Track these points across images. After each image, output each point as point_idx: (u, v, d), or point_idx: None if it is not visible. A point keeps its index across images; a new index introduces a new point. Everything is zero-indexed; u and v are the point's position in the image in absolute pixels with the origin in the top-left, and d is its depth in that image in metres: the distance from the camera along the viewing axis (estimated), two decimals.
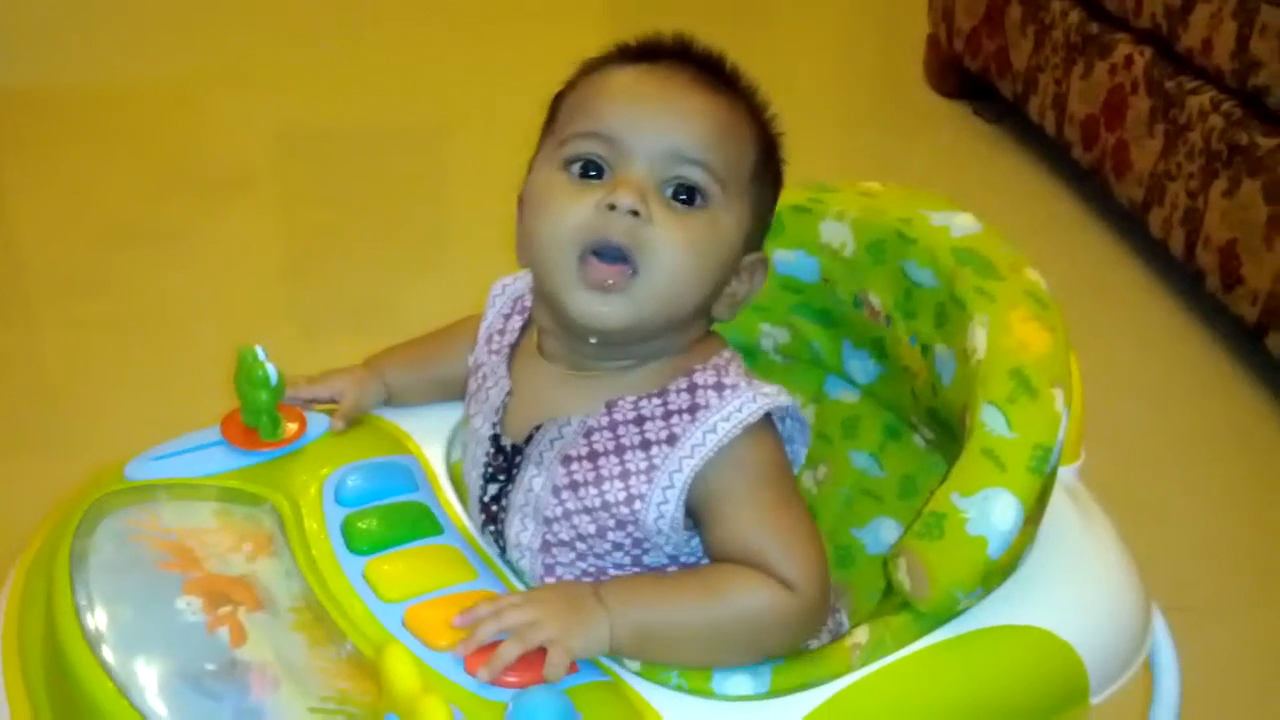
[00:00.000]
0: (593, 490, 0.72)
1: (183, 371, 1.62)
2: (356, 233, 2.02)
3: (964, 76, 2.38)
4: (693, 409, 0.71)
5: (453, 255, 1.97)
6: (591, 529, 0.72)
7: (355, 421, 0.83)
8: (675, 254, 0.70)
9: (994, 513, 0.70)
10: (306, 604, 0.70)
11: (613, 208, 0.69)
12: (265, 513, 0.75)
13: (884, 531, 0.90)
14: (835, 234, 0.87)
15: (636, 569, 0.73)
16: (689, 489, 0.71)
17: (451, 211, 2.12)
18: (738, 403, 0.71)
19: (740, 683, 0.68)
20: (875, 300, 0.86)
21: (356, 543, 0.73)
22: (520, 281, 0.83)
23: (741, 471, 0.71)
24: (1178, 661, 0.84)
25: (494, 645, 0.66)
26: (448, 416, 0.87)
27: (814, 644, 0.77)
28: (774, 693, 0.68)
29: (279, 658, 0.66)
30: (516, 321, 0.81)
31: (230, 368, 0.80)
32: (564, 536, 0.73)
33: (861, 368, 0.91)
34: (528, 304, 0.81)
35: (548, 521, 0.73)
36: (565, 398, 0.75)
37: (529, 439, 0.75)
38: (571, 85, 0.76)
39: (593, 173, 0.71)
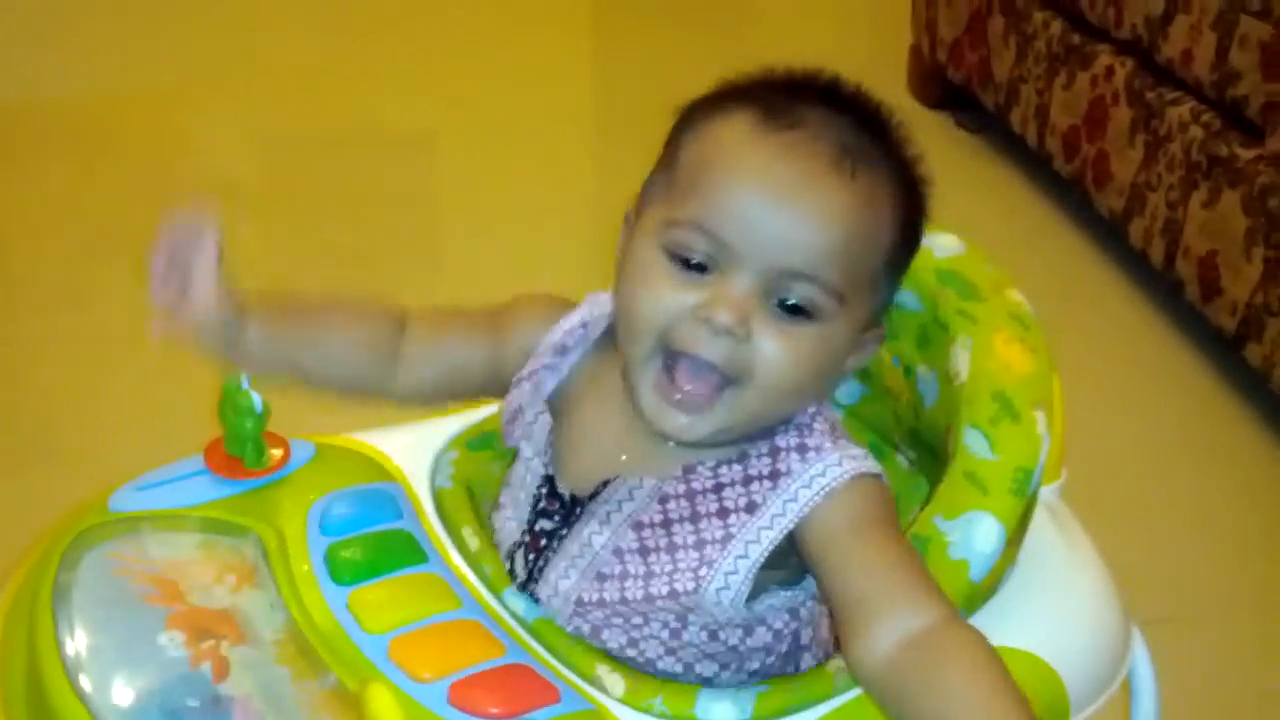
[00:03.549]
0: (664, 557, 0.69)
1: (171, 383, 1.61)
2: (344, 240, 2.02)
3: (947, 87, 2.39)
4: (774, 475, 0.68)
5: (442, 262, 1.97)
6: (640, 595, 0.69)
7: (334, 450, 0.82)
8: (774, 373, 0.65)
9: (976, 536, 0.71)
10: (290, 636, 0.70)
11: (709, 322, 0.64)
12: (249, 543, 0.75)
13: None
14: None
15: (676, 622, 0.70)
16: (800, 542, 0.67)
17: (440, 218, 2.12)
18: (821, 466, 0.67)
19: (724, 710, 0.68)
20: None
21: (340, 573, 0.72)
22: (576, 315, 0.76)
23: (847, 518, 0.66)
24: (1155, 679, 0.84)
25: (478, 675, 0.67)
26: (431, 440, 0.86)
27: (800, 669, 0.77)
28: (757, 718, 0.69)
29: (262, 691, 0.66)
30: (563, 354, 0.74)
31: (213, 383, 0.80)
32: (608, 596, 0.70)
33: (845, 389, 0.91)
34: (572, 342, 0.75)
35: (600, 578, 0.70)
36: (636, 451, 0.71)
37: (594, 494, 0.72)
38: (700, 120, 0.68)
39: (697, 263, 0.65)
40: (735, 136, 0.65)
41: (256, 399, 0.79)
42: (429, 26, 2.84)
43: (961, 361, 0.76)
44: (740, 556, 0.67)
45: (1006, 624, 0.75)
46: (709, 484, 0.69)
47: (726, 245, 0.64)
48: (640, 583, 0.69)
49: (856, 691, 0.70)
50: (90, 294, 1.84)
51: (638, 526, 0.70)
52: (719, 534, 0.68)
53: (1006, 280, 0.81)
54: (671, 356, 0.66)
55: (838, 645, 0.71)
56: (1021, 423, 0.73)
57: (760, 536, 0.67)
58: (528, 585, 0.74)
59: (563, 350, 0.75)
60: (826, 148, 0.64)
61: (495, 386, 0.78)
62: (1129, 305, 1.86)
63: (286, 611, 0.71)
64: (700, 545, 0.68)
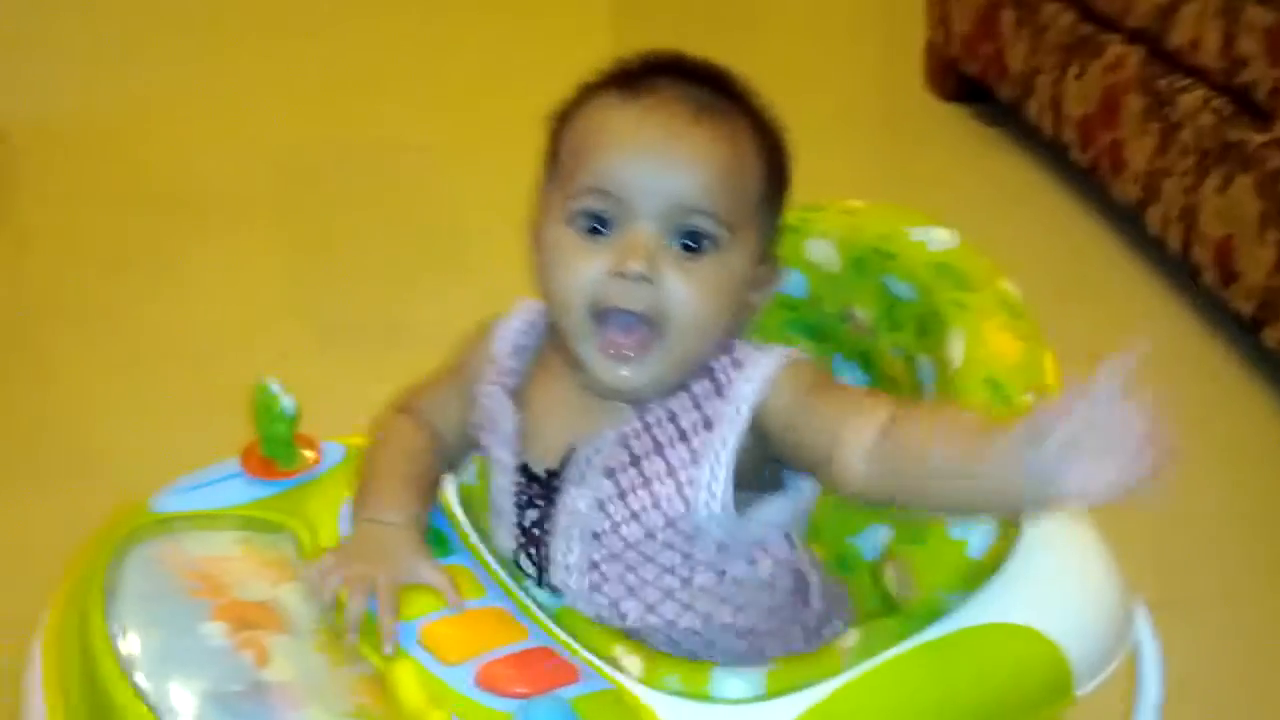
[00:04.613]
0: (641, 494, 0.75)
1: (194, 396, 1.66)
2: (358, 247, 2.05)
3: (963, 80, 2.41)
4: (718, 388, 0.75)
5: (459, 266, 1.99)
6: (640, 534, 0.75)
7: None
8: (692, 310, 0.72)
9: None
10: (327, 625, 0.74)
11: (623, 274, 0.71)
12: (285, 539, 0.80)
13: (880, 538, 0.93)
14: (821, 252, 0.91)
15: (684, 568, 0.76)
16: (760, 435, 0.74)
17: (453, 223, 2.14)
18: (753, 368, 0.75)
19: (737, 686, 0.72)
20: (861, 314, 0.90)
21: None
22: (518, 319, 0.82)
23: (793, 388, 0.74)
24: (1160, 655, 0.87)
25: (503, 658, 0.71)
26: None
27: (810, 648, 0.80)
28: (769, 695, 0.72)
29: (302, 677, 0.70)
30: (519, 354, 0.81)
31: (243, 389, 0.84)
32: (613, 549, 0.76)
33: (851, 379, 0.94)
34: (526, 341, 0.81)
35: (596, 537, 0.76)
36: (593, 416, 0.76)
37: (565, 462, 0.77)
38: (570, 116, 0.76)
39: (600, 226, 0.73)
40: (602, 113, 0.74)
41: (287, 403, 0.83)
42: (427, 31, 2.86)
43: (956, 349, 0.79)
44: (714, 465, 0.73)
45: (1009, 601, 0.78)
46: (664, 415, 0.75)
47: (620, 200, 0.72)
48: (634, 525, 0.75)
49: (864, 668, 0.74)
50: (107, 311, 1.88)
51: (609, 473, 0.75)
52: (686, 456, 0.74)
53: (998, 271, 0.83)
54: (601, 317, 0.73)
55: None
56: (1013, 407, 0.76)
57: (726, 440, 0.73)
58: (543, 581, 0.79)
59: (520, 351, 0.81)
60: (684, 107, 0.73)
61: None
62: (1148, 291, 1.88)
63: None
64: (672, 472, 0.74)
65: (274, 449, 0.84)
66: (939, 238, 0.85)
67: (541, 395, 0.80)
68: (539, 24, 2.84)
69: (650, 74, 0.75)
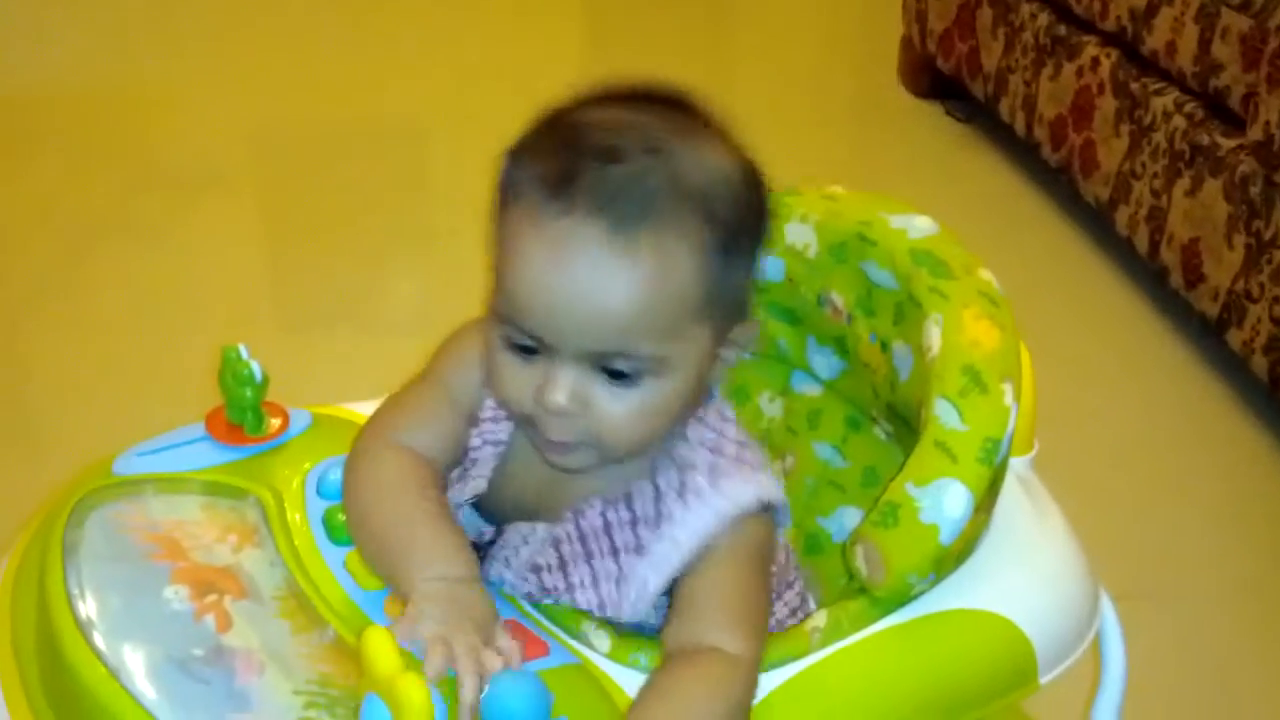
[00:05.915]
0: (565, 597, 0.75)
1: (162, 369, 1.65)
2: (332, 229, 2.04)
3: (937, 77, 2.42)
4: (658, 518, 0.72)
5: (429, 251, 1.99)
6: (565, 599, 0.75)
7: (330, 419, 0.86)
8: (621, 431, 0.69)
9: (946, 502, 0.73)
10: (290, 592, 0.73)
11: (547, 409, 0.68)
12: (250, 505, 0.78)
13: (848, 520, 0.93)
14: (799, 235, 0.90)
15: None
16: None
17: (427, 207, 2.14)
18: (699, 515, 0.71)
19: None
20: (837, 299, 0.89)
21: (337, 534, 0.76)
22: None
23: (709, 562, 0.72)
24: (1123, 644, 0.88)
25: None
26: None
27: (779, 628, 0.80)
28: None
29: (263, 643, 0.69)
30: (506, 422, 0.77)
31: (208, 365, 0.83)
32: (539, 601, 0.76)
33: (825, 363, 0.94)
34: None
35: (524, 596, 0.76)
36: (532, 493, 0.76)
37: (492, 541, 0.77)
38: (503, 190, 0.70)
39: (526, 352, 0.69)
40: (520, 229, 0.68)
41: (256, 368, 0.82)
42: (421, 18, 2.86)
43: (934, 336, 0.79)
44: (640, 593, 0.72)
45: (978, 587, 0.78)
46: (598, 525, 0.74)
47: (540, 339, 0.68)
48: (558, 597, 0.75)
49: (832, 649, 0.74)
50: (78, 281, 1.87)
51: (536, 570, 0.75)
52: (613, 572, 0.73)
53: (977, 260, 0.83)
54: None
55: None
56: (989, 394, 0.76)
57: (649, 580, 0.72)
58: None
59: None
60: (599, 230, 0.65)
61: None
62: (1115, 291, 1.90)
63: (286, 569, 0.74)
64: (596, 583, 0.73)
65: (240, 414, 0.83)
66: (919, 225, 0.85)
67: (511, 463, 0.77)
68: (516, 13, 2.83)
69: (576, 167, 0.66)
